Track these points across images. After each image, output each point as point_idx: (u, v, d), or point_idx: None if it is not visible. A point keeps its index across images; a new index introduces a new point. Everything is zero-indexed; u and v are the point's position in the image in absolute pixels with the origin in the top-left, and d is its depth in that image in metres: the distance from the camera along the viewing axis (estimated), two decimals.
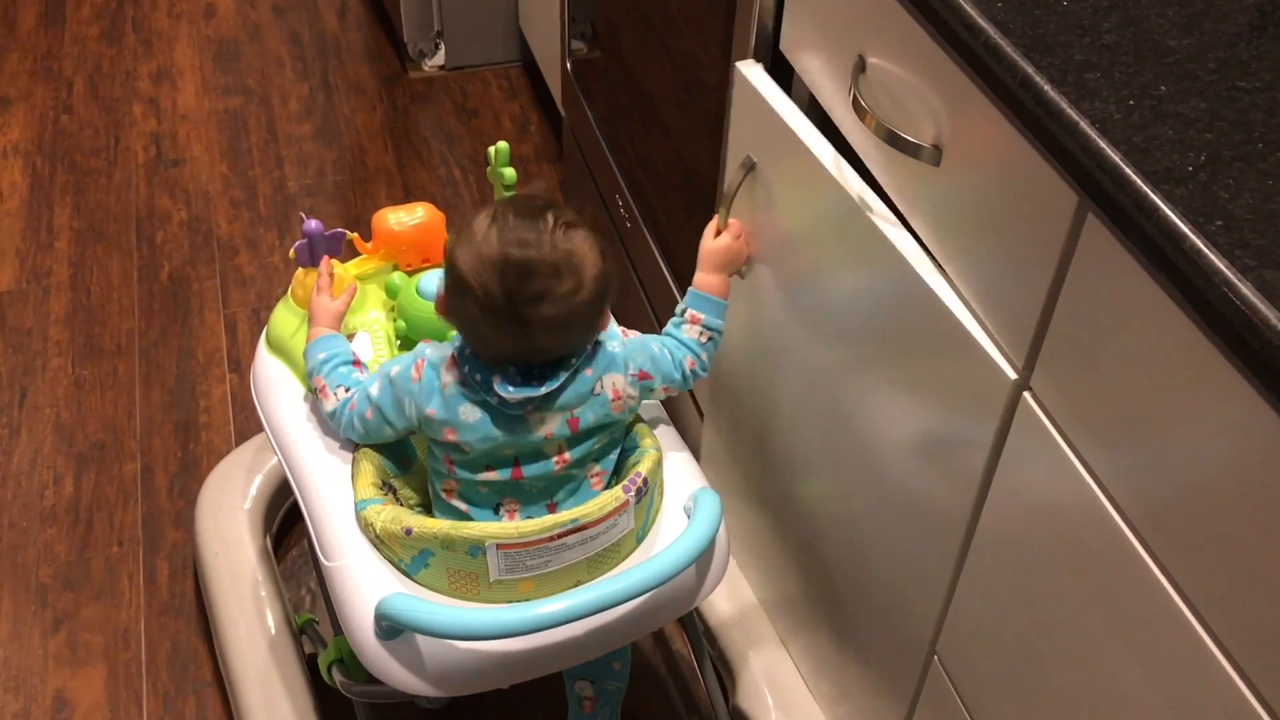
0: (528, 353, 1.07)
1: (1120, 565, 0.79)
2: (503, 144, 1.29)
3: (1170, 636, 0.76)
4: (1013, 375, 0.87)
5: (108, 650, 1.57)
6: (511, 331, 1.05)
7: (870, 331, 1.06)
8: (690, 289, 1.22)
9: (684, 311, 1.21)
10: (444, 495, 1.13)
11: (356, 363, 1.18)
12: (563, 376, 1.07)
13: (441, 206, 1.39)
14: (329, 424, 1.18)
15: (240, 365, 1.94)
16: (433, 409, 1.09)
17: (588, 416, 1.10)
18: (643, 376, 1.14)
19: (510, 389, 1.06)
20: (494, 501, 1.12)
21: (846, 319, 1.10)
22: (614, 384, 1.11)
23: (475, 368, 1.07)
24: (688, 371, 1.18)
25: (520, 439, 1.09)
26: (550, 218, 1.05)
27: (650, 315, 1.72)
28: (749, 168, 1.18)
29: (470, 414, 1.08)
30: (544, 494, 1.12)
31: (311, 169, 2.33)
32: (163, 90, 2.51)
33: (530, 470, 1.10)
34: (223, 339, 1.99)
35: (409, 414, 1.11)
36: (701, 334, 1.20)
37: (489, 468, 1.10)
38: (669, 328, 1.22)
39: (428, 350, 1.11)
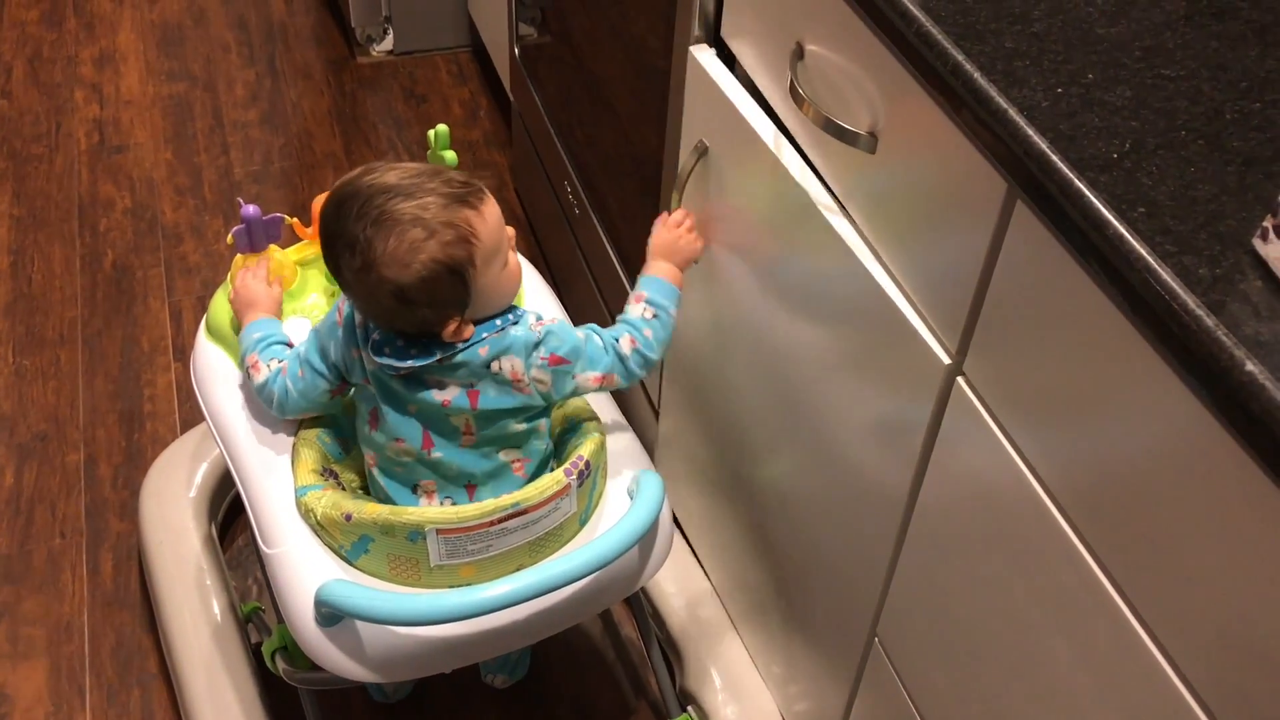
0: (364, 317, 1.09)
1: (1049, 546, 0.81)
2: (442, 127, 1.28)
3: (1096, 614, 0.77)
4: (946, 359, 0.88)
5: (50, 644, 1.55)
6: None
7: (814, 317, 1.07)
8: (640, 275, 1.22)
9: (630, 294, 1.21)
10: (369, 466, 1.14)
11: (290, 345, 1.18)
12: (437, 354, 1.06)
13: None
14: (262, 405, 1.17)
15: (185, 354, 1.92)
16: (356, 349, 1.10)
17: (489, 392, 1.08)
18: (554, 360, 1.10)
19: (374, 355, 1.06)
20: (411, 480, 1.12)
21: (792, 305, 1.10)
22: (511, 366, 1.08)
23: (372, 326, 1.09)
24: (626, 351, 1.14)
25: (418, 397, 1.08)
26: (409, 204, 1.01)
27: (599, 302, 1.72)
28: (701, 152, 1.18)
29: (370, 363, 1.09)
30: (461, 475, 1.11)
31: (258, 155, 2.30)
32: (105, 75, 2.47)
33: (440, 441, 1.10)
34: (167, 327, 1.96)
35: (334, 357, 1.11)
36: (645, 309, 1.17)
37: (399, 440, 1.10)
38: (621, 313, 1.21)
39: (344, 298, 1.11)
